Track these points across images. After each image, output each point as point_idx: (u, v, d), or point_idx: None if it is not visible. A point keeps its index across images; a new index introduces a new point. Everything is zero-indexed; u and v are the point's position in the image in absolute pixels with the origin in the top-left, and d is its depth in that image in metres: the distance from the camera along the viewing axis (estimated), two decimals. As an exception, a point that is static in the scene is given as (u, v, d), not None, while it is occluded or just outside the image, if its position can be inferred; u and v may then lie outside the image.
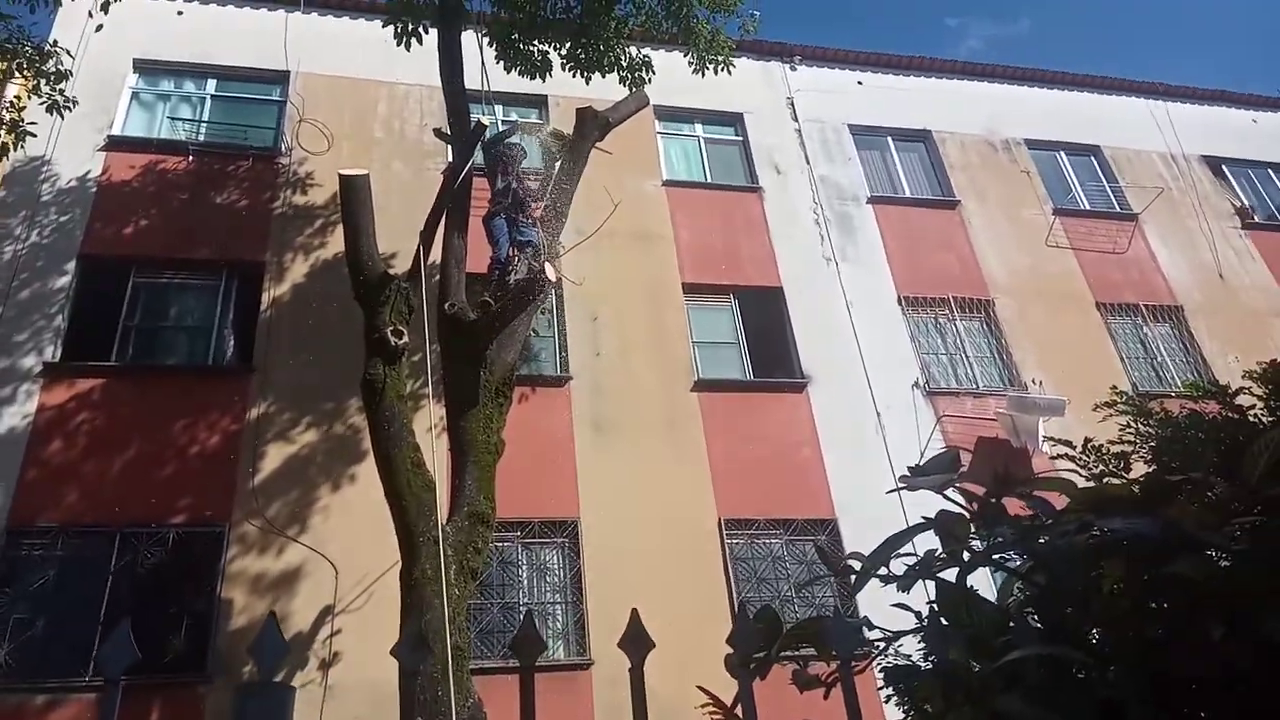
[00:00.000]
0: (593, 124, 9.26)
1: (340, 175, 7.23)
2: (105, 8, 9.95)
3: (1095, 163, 15.50)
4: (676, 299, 11.75)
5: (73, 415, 9.38)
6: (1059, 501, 1.52)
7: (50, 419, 9.30)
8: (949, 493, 1.58)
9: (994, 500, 1.52)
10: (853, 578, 1.58)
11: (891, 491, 1.65)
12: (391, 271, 7.56)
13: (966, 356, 12.28)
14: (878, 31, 45.96)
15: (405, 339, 6.98)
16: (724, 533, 9.89)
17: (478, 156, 8.74)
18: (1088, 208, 14.71)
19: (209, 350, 10.29)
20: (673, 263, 12.06)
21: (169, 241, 10.71)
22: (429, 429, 7.83)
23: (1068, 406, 10.82)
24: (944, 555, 1.54)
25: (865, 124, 14.61)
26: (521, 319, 7.85)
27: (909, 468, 1.55)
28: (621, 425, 10.46)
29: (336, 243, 10.91)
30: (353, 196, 7.16)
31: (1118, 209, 14.80)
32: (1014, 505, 1.52)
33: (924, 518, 1.57)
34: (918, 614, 1.57)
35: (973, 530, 1.56)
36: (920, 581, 1.55)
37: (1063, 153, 15.43)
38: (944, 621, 1.52)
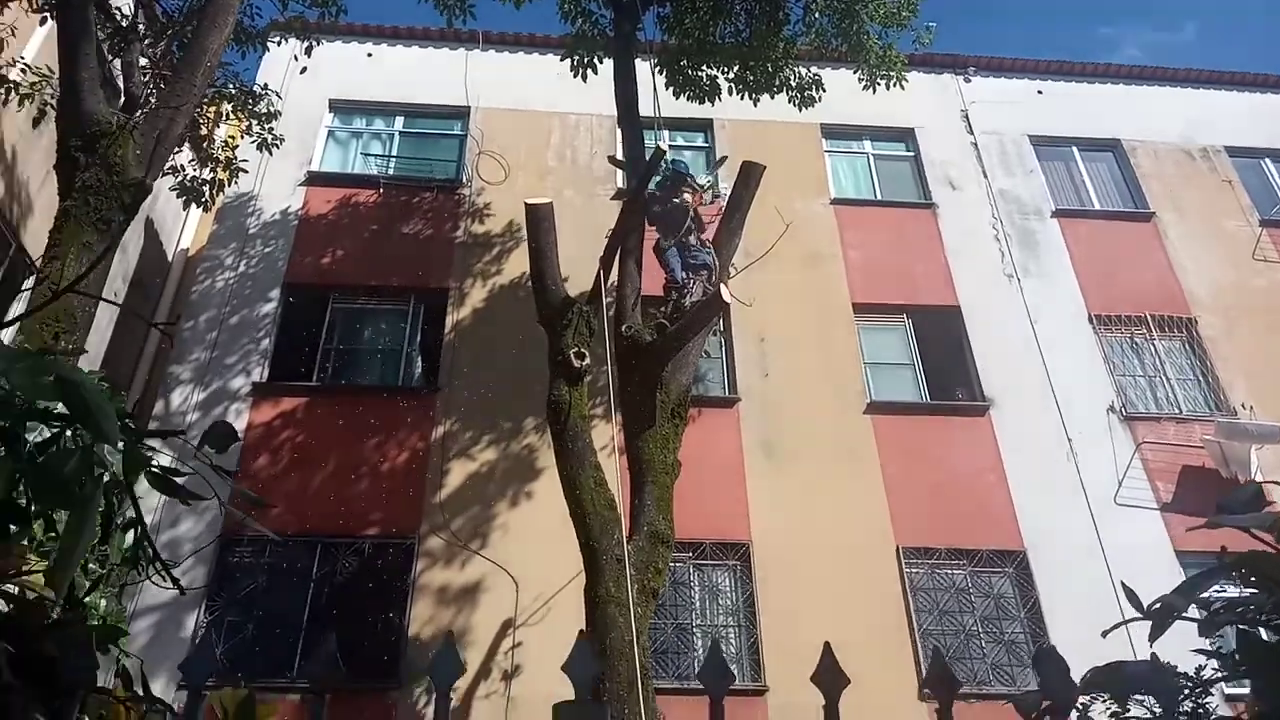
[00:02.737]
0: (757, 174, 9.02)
1: (526, 204, 7.50)
2: (309, 51, 10.79)
3: (1306, 169, 14.13)
4: (847, 320, 11.49)
5: (278, 432, 10.10)
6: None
7: (258, 435, 10.05)
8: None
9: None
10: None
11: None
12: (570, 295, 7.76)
13: (1167, 379, 11.37)
14: (1026, 45, 43.24)
15: (588, 360, 7.13)
16: (903, 561, 9.54)
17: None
18: (1300, 217, 13.40)
19: (399, 371, 10.89)
20: (842, 283, 11.81)
21: (362, 269, 11.44)
22: (607, 449, 7.96)
23: (1287, 434, 9.91)
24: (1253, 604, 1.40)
25: (1047, 134, 13.88)
26: (695, 341, 7.88)
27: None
28: (792, 447, 10.28)
29: (512, 269, 11.37)
30: (538, 224, 7.41)
31: (1334, 217, 13.41)
32: None
33: (1220, 552, 1.44)
34: (1222, 655, 1.43)
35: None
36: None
37: (1268, 160, 14.10)
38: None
